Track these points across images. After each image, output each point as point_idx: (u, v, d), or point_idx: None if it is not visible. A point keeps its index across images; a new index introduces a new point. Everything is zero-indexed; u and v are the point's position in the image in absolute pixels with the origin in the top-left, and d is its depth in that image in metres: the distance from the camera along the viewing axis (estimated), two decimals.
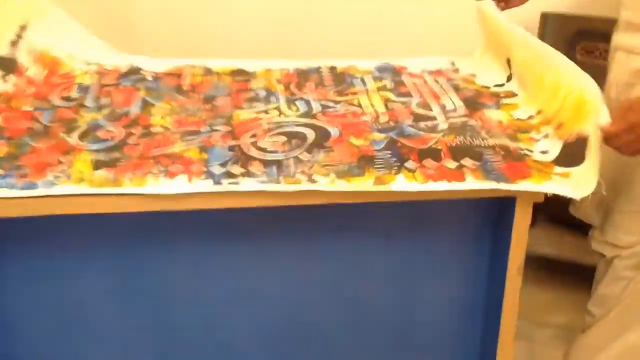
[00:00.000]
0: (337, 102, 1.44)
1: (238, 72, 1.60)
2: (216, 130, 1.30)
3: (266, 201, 1.15)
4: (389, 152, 1.23)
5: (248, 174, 1.16)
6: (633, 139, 1.05)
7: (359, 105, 1.42)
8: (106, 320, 1.29)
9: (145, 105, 1.42)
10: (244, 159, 1.20)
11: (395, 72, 1.59)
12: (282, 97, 1.46)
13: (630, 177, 1.35)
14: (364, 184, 1.16)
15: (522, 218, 1.20)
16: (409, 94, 1.47)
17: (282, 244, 1.27)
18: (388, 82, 1.54)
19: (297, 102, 1.44)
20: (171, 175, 1.15)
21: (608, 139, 1.06)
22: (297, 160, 1.21)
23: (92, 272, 1.25)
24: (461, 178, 1.17)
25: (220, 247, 1.26)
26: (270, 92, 1.49)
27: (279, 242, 1.26)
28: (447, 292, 1.32)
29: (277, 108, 1.41)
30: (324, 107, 1.42)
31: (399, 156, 1.22)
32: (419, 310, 1.32)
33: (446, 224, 1.29)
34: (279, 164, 1.20)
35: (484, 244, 1.29)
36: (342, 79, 1.56)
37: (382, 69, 1.61)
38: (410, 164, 1.20)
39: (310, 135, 1.28)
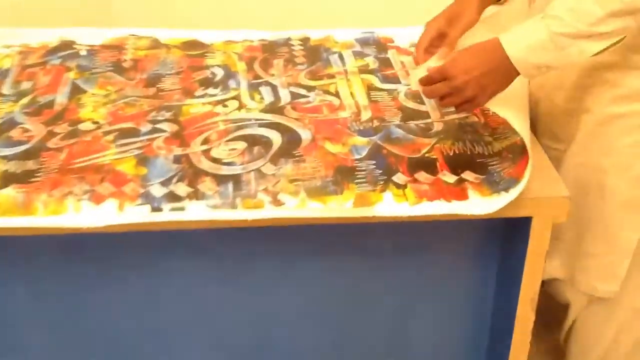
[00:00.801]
0: (310, 89, 1.19)
1: (191, 45, 1.33)
2: (160, 131, 1.05)
3: (219, 224, 0.92)
4: (373, 162, 1.00)
5: (196, 194, 0.93)
6: (449, 92, 0.95)
7: (337, 95, 1.17)
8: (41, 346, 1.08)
9: (75, 91, 1.15)
10: (192, 175, 0.96)
11: (380, 46, 1.34)
12: (244, 81, 1.21)
13: (590, 212, 1.09)
14: (342, 205, 0.93)
15: (538, 241, 0.98)
16: (396, 79, 1.23)
17: (248, 263, 1.04)
18: (371, 61, 1.28)
19: (262, 89, 1.18)
20: (97, 199, 0.91)
21: (425, 87, 0.98)
22: (259, 174, 0.97)
23: (20, 292, 1.02)
24: (463, 196, 0.94)
25: (176, 264, 1.03)
26: (229, 73, 1.23)
27: (244, 260, 1.04)
28: (445, 328, 1.11)
29: (237, 97, 1.16)
30: (294, 95, 1.16)
31: (385, 167, 0.99)
32: (410, 350, 1.12)
33: (444, 244, 1.06)
34: (235, 180, 0.96)
35: (491, 269, 1.08)
36: (316, 55, 1.30)
37: (364, 42, 1.35)
38: (399, 178, 0.97)
39: (277, 139, 1.04)
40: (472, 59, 0.92)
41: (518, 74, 0.91)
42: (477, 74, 0.91)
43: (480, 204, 0.93)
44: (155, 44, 1.32)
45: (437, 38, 1.04)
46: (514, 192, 0.93)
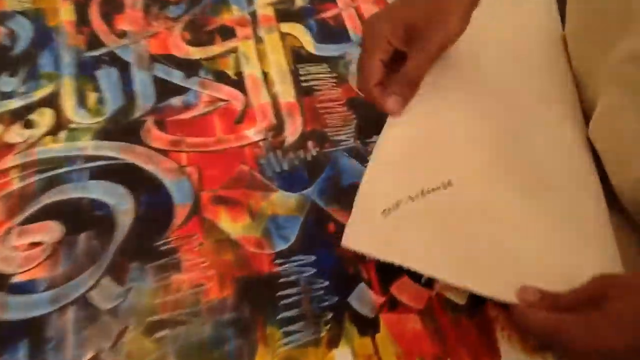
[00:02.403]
0: (191, 69, 0.66)
1: None
2: None
3: None
4: (311, 259, 0.52)
5: None
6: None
7: (239, 83, 0.65)
8: None
9: None
10: None
11: None
12: (69, 55, 0.66)
13: None
14: None
15: None
16: (342, 32, 0.70)
17: None
18: None
19: (101, 74, 0.65)
20: None
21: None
22: (87, 312, 0.48)
23: None
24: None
25: None
26: (44, 32, 0.68)
27: None
28: None
29: (53, 98, 0.62)
30: (160, 87, 0.64)
31: (335, 272, 0.51)
32: None
33: None
34: (36, 331, 0.47)
35: None
36: None
37: None
38: (363, 301, 0.50)
39: (124, 218, 0.54)
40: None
41: None
42: None
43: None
44: None
45: (391, 62, 0.52)
46: None
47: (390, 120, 0.52)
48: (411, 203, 0.47)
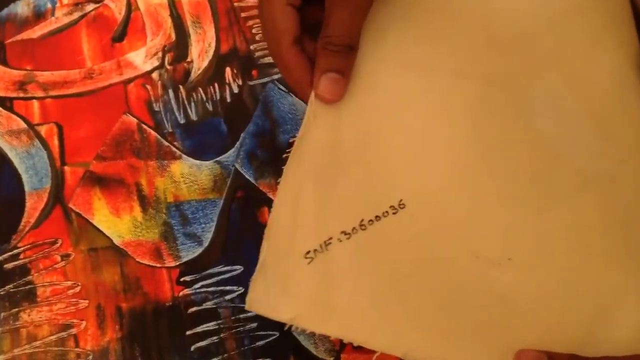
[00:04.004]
0: None
1: None
2: None
3: None
4: (234, 278, 0.35)
5: None
6: None
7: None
8: None
9: None
10: None
11: None
12: None
13: None
14: None
15: None
16: None
17: None
18: None
19: None
20: None
21: None
22: None
23: None
24: None
25: None
26: None
27: None
28: None
29: None
30: None
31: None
32: None
33: None
34: None
35: None
36: None
37: None
38: (319, 342, 0.35)
39: None
40: None
41: None
42: None
43: None
44: None
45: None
46: None
47: (313, 110, 0.31)
48: (346, 241, 0.29)
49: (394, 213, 0.30)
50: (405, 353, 0.29)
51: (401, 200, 0.30)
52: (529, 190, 0.31)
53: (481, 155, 0.31)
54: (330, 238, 0.29)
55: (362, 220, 0.30)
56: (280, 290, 0.29)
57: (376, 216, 0.30)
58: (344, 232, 0.30)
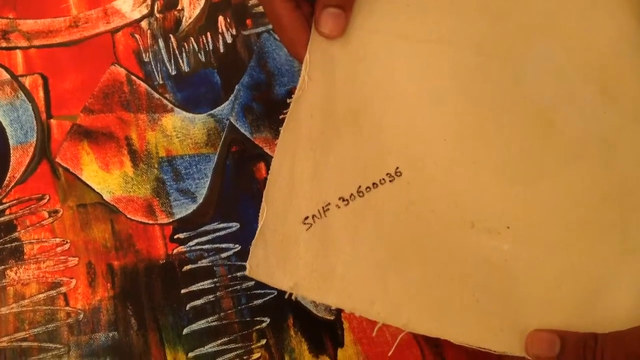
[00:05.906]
0: None
1: None
2: None
3: None
4: (229, 236, 0.34)
5: None
6: None
7: None
8: None
9: None
10: None
11: None
12: None
13: None
14: None
15: None
16: None
17: None
18: None
19: None
20: None
21: None
22: None
23: None
24: None
25: None
26: None
27: None
28: None
29: None
30: None
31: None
32: None
33: None
34: None
35: None
36: None
37: None
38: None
39: None
40: None
41: None
42: None
43: None
44: None
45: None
46: None
47: (308, 72, 0.29)
48: (344, 208, 0.28)
49: (390, 180, 0.29)
50: (405, 324, 0.28)
51: (397, 167, 0.29)
52: (525, 159, 0.30)
53: (476, 125, 0.30)
54: (328, 204, 0.29)
55: (360, 187, 0.29)
56: (280, 257, 0.28)
57: (373, 183, 0.29)
58: (342, 199, 0.29)
